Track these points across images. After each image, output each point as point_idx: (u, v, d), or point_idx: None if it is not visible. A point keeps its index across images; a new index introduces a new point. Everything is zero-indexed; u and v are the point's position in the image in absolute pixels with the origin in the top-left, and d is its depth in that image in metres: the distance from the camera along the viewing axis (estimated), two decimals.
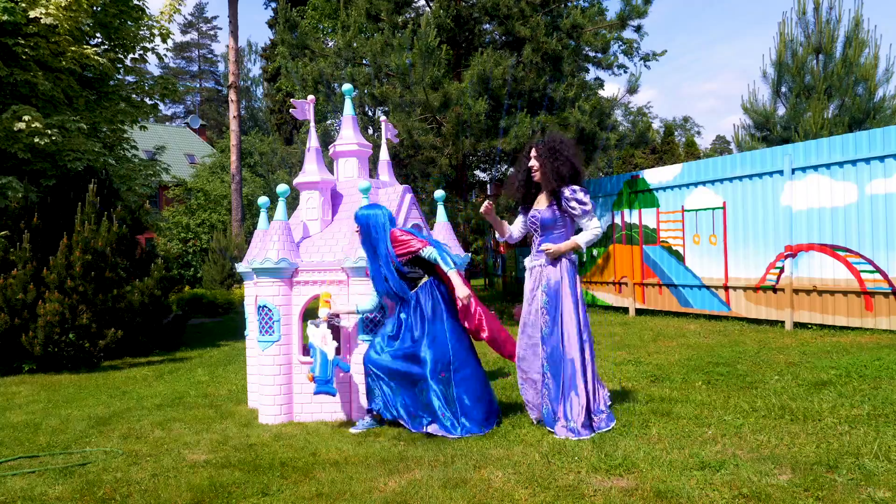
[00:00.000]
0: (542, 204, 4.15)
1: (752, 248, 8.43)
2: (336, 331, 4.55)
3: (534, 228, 4.16)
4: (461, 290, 4.00)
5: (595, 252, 11.01)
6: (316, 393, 4.19)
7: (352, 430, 4.14)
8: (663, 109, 74.55)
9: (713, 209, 8.95)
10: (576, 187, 4.03)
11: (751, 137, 12.50)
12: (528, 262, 4.22)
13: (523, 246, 12.97)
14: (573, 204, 4.00)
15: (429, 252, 4.08)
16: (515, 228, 4.33)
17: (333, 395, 4.25)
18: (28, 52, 8.34)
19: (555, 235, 4.07)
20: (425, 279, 4.21)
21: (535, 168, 4.11)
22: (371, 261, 4.20)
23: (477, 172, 14.17)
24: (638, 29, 11.84)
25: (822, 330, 7.51)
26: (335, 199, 5.00)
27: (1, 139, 8.26)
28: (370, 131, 12.02)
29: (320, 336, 4.30)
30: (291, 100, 5.09)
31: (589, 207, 4.01)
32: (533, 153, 4.13)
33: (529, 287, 4.13)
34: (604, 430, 3.79)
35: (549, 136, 4.19)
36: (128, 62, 10.25)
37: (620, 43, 18.16)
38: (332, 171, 5.18)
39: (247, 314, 5.11)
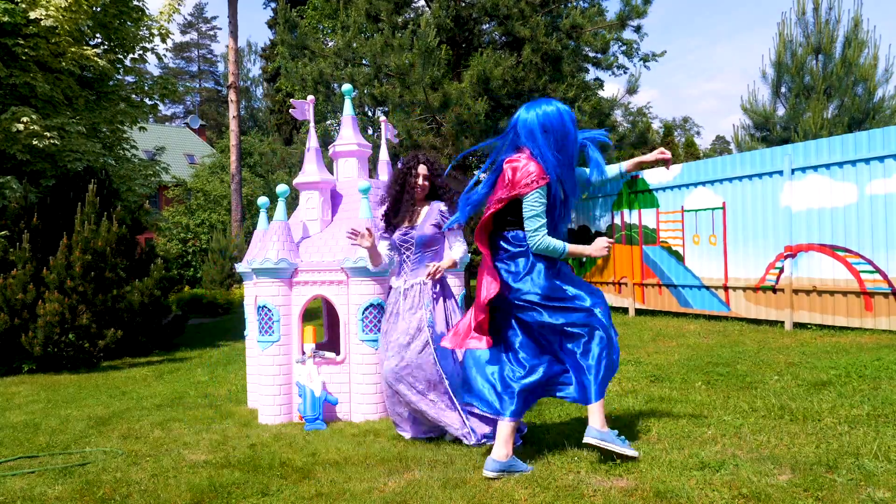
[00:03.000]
0: (415, 222, 4.01)
1: (751, 248, 8.42)
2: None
3: (406, 247, 3.98)
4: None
5: None
6: (307, 430, 4.20)
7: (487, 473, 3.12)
8: (663, 109, 74.64)
9: (713, 209, 8.95)
10: (446, 206, 4.04)
11: (750, 138, 12.52)
12: (399, 282, 3.99)
13: None
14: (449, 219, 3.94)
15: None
16: (384, 254, 4.16)
17: (324, 429, 4.23)
18: (28, 53, 8.34)
19: (429, 254, 3.97)
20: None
21: (424, 186, 4.02)
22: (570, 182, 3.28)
23: (477, 172, 14.20)
24: (638, 29, 11.85)
25: (822, 330, 7.51)
26: (335, 199, 5.00)
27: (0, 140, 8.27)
28: (370, 131, 12.01)
29: (306, 374, 4.36)
30: (291, 100, 5.09)
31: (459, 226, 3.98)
32: (423, 170, 4.02)
33: (406, 306, 3.90)
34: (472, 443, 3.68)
35: (427, 155, 4.15)
36: (127, 62, 10.26)
37: (620, 43, 18.15)
38: (331, 172, 5.19)
39: (246, 314, 5.11)
